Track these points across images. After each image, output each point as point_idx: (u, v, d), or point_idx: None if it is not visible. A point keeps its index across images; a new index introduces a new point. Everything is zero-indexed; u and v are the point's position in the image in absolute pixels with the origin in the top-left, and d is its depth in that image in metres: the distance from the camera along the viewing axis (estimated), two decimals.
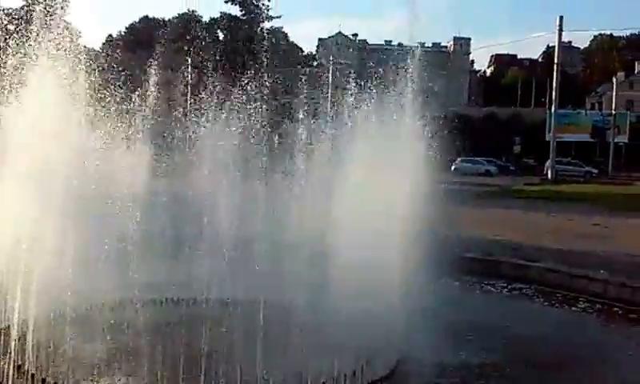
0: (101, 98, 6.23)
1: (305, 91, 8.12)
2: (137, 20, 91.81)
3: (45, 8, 5.71)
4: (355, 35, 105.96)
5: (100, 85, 6.17)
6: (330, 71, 49.93)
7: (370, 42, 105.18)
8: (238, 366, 4.62)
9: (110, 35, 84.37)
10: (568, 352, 6.09)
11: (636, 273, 8.86)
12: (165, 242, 6.81)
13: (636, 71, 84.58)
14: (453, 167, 47.58)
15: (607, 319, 7.49)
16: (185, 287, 6.65)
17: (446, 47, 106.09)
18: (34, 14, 5.65)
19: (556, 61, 42.97)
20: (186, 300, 6.69)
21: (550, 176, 40.63)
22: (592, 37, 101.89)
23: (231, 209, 6.27)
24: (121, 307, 6.12)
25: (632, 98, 75.03)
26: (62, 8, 5.93)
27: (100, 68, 6.17)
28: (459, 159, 49.75)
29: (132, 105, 7.13)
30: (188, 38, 48.40)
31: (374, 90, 6.57)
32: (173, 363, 4.88)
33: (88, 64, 5.95)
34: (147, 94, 7.49)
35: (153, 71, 8.12)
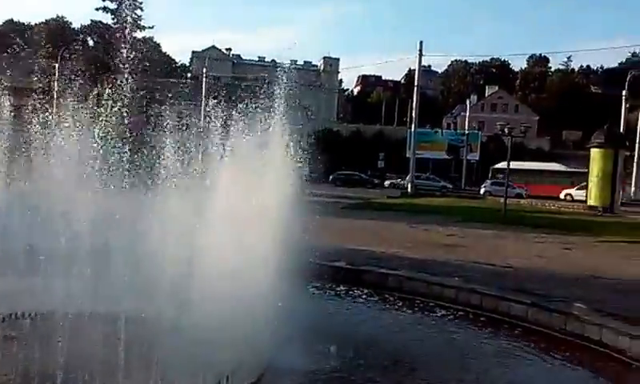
0: None
1: (176, 102, 8.06)
2: (0, 23, 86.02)
3: None
4: (229, 50, 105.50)
5: None
6: (204, 84, 49.27)
7: (243, 57, 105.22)
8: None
9: None
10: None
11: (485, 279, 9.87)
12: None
13: (487, 95, 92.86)
14: (482, 190, 46.59)
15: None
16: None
17: (317, 66, 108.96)
18: None
19: (416, 83, 45.72)
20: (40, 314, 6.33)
21: (409, 190, 43.18)
22: (449, 62, 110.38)
23: (84, 219, 6.00)
24: None
25: (483, 119, 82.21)
26: None
27: None
28: (489, 181, 48.78)
29: None
30: (58, 43, 45.54)
31: (247, 104, 6.68)
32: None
33: None
34: (8, 99, 7.10)
35: (16, 76, 7.68)
